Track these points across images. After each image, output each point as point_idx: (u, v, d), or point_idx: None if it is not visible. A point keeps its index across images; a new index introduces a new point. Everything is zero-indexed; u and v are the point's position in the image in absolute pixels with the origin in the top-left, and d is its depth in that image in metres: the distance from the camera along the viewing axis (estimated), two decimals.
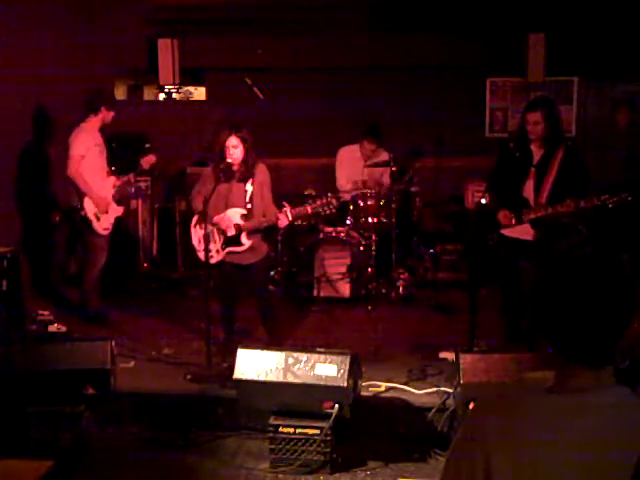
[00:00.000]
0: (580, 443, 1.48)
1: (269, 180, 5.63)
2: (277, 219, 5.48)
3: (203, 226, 5.42)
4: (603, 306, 1.52)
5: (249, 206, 5.55)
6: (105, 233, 6.49)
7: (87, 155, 6.34)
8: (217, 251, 5.59)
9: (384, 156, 7.39)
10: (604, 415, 1.50)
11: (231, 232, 5.53)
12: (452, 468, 1.59)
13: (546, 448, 1.49)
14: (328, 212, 5.49)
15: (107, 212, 6.45)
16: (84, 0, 8.16)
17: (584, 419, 1.50)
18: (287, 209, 5.44)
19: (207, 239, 5.53)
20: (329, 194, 5.50)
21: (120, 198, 6.61)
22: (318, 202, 5.46)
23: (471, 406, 4.42)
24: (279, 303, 6.97)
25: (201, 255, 5.54)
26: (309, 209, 5.44)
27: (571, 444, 1.48)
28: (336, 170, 7.78)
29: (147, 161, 6.68)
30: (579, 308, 1.53)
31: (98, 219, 6.42)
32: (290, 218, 5.46)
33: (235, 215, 5.54)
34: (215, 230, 5.56)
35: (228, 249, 5.57)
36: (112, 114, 6.49)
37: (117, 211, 6.57)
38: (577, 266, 1.57)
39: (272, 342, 5.49)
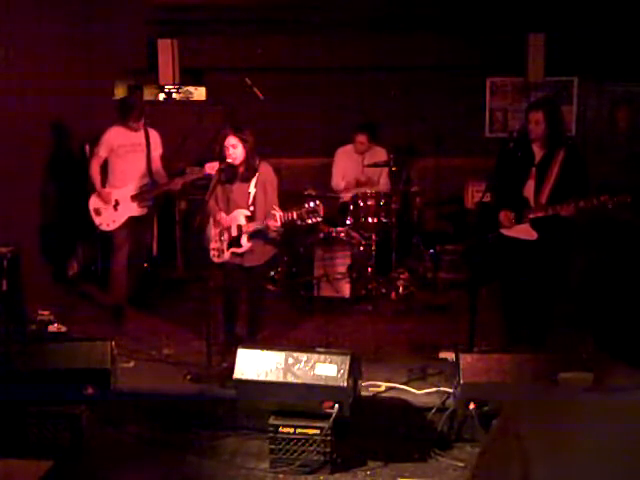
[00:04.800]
0: (621, 443, 1.43)
1: (274, 180, 5.59)
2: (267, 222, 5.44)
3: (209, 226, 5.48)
4: None
5: (252, 208, 5.54)
6: (105, 229, 6.64)
7: (111, 156, 6.59)
8: (222, 251, 5.60)
9: (383, 156, 7.40)
10: None
11: (233, 232, 5.54)
12: (485, 466, 1.54)
13: (586, 447, 1.44)
14: (314, 220, 5.34)
15: (109, 204, 6.57)
16: (84, 0, 8.15)
17: (626, 418, 1.46)
18: (277, 213, 5.37)
19: (207, 239, 5.61)
20: (317, 201, 5.35)
21: (143, 198, 6.66)
22: (304, 209, 5.29)
23: (471, 407, 4.43)
24: (279, 303, 6.99)
25: (210, 254, 5.62)
26: (295, 215, 5.31)
27: (612, 444, 1.44)
28: (332, 169, 7.80)
29: (212, 167, 6.27)
30: (631, 305, 1.48)
31: (99, 214, 6.60)
32: (278, 223, 5.37)
33: (240, 216, 5.54)
34: (224, 230, 5.57)
35: (231, 250, 5.58)
36: (143, 124, 6.68)
37: (131, 210, 6.63)
38: (629, 263, 1.51)
39: (248, 339, 5.49)
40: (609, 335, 1.52)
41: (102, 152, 6.61)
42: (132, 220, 6.65)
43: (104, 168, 6.69)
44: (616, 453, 1.44)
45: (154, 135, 6.76)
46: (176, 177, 6.85)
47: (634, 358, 1.50)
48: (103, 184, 6.63)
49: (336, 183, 7.73)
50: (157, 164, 6.76)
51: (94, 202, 6.62)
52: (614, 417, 1.46)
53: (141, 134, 6.65)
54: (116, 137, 6.61)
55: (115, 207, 6.59)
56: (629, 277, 1.51)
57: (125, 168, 6.62)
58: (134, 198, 6.61)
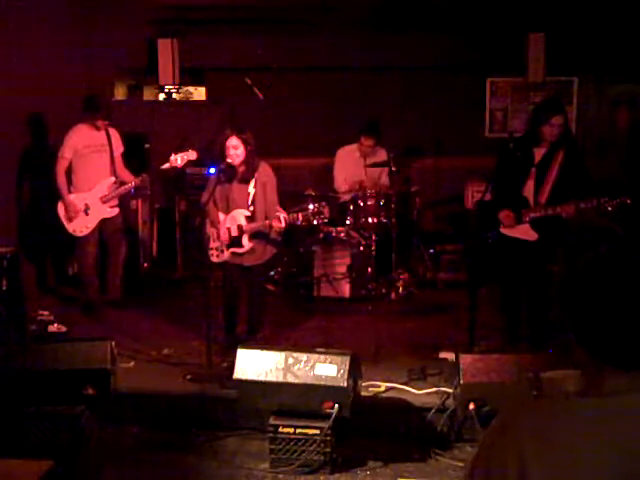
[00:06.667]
0: (616, 447, 1.43)
1: (273, 180, 5.60)
2: (271, 223, 5.45)
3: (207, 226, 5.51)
4: (637, 307, 1.47)
5: (252, 208, 5.55)
6: (79, 234, 6.59)
7: (75, 157, 6.49)
8: (222, 251, 5.61)
9: (383, 156, 7.39)
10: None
11: (234, 232, 5.55)
12: (482, 467, 1.52)
13: (582, 452, 1.44)
14: (320, 221, 5.40)
15: (76, 217, 6.51)
16: (84, 0, 8.15)
17: (621, 423, 1.45)
18: (281, 214, 5.38)
19: (207, 239, 5.62)
20: (322, 202, 5.39)
21: (112, 199, 6.63)
22: (309, 211, 5.33)
23: (471, 407, 4.43)
24: (279, 303, 6.99)
25: (209, 254, 5.63)
26: (300, 216, 5.34)
27: (607, 448, 1.43)
28: (334, 170, 7.77)
29: (176, 159, 6.02)
30: (614, 310, 1.47)
31: (70, 220, 6.53)
32: (283, 224, 5.39)
33: (240, 216, 5.54)
34: (224, 230, 5.58)
35: (231, 250, 5.58)
36: (106, 123, 6.58)
37: (103, 212, 6.60)
38: (612, 267, 1.51)
39: (247, 340, 5.49)
40: (595, 340, 1.51)
41: (67, 154, 6.50)
42: (105, 222, 6.64)
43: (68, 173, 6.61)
44: (612, 457, 1.43)
45: (115, 134, 6.70)
46: (142, 173, 6.69)
47: (622, 362, 1.49)
48: (68, 188, 6.54)
49: (338, 185, 7.70)
50: (120, 163, 6.70)
51: (62, 209, 6.54)
52: (609, 421, 1.46)
53: (103, 134, 6.59)
54: (80, 137, 6.53)
55: (86, 212, 6.54)
56: (611, 282, 1.50)
57: (89, 170, 6.55)
58: (104, 200, 6.57)
